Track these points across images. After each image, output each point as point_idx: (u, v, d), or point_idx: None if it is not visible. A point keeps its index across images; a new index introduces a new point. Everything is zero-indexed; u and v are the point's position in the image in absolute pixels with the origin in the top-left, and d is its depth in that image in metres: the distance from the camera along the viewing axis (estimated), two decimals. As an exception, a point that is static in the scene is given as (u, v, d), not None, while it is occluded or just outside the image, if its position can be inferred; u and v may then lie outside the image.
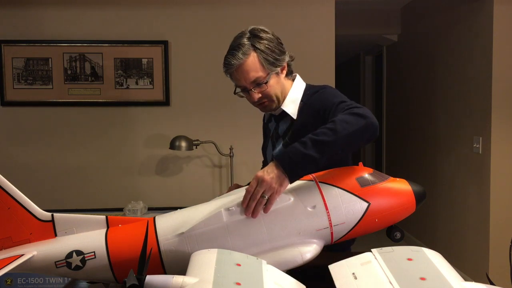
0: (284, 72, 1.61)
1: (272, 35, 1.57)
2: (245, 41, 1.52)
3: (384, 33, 5.15)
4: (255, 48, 1.52)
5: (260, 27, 1.57)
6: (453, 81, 3.93)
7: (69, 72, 3.49)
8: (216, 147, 3.39)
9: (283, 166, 1.20)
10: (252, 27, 1.57)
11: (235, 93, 1.63)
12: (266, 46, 1.53)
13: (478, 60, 3.50)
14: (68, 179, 3.53)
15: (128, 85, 3.50)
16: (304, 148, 1.21)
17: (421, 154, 4.65)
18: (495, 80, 3.30)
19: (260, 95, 1.57)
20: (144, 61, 3.49)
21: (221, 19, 3.51)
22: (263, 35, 1.54)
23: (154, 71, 3.49)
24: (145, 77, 3.49)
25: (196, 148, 3.36)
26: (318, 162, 1.22)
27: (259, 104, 1.61)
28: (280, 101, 1.61)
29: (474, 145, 3.55)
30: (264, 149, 1.83)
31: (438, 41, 4.20)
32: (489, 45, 3.32)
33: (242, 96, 1.63)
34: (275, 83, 1.57)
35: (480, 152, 3.47)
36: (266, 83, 1.54)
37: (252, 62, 1.52)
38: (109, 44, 3.48)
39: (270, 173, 1.19)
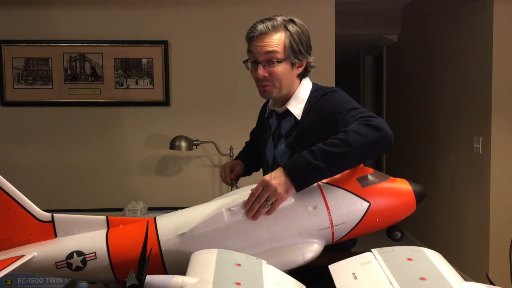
0: (300, 70, 1.58)
1: (308, 33, 1.56)
2: (279, 19, 1.51)
3: (384, 33, 5.16)
4: (286, 30, 1.50)
5: (302, 22, 1.56)
6: (453, 81, 3.93)
7: (69, 72, 3.49)
8: (216, 147, 3.39)
9: (290, 174, 1.18)
10: (293, 16, 1.56)
11: (244, 61, 1.58)
12: (298, 34, 1.51)
13: (478, 60, 3.50)
14: (68, 179, 3.53)
15: (128, 85, 3.50)
16: (312, 158, 1.18)
17: (421, 154, 4.66)
18: (495, 80, 3.30)
19: (266, 74, 1.52)
20: (144, 61, 3.49)
21: (221, 19, 3.51)
22: (300, 25, 1.54)
23: (154, 71, 3.49)
24: (145, 77, 3.49)
25: (196, 148, 3.36)
26: (326, 173, 1.20)
27: (261, 85, 1.56)
28: (281, 91, 1.56)
29: (474, 145, 3.55)
30: (261, 142, 1.78)
31: (438, 41, 4.20)
32: (489, 45, 3.32)
33: (248, 68, 1.58)
34: (285, 71, 1.53)
35: (480, 152, 3.48)
36: (279, 62, 1.50)
37: (277, 38, 1.49)
38: (109, 44, 3.48)
39: (276, 178, 1.18)
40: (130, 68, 3.49)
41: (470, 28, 3.61)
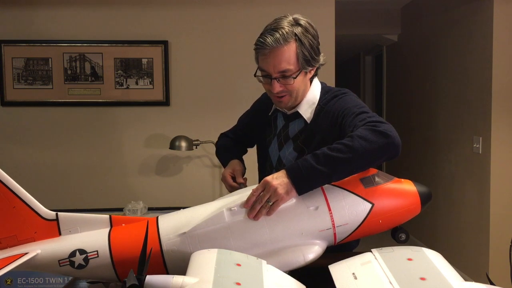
0: (312, 73, 1.52)
1: (315, 32, 1.47)
2: (287, 26, 1.41)
3: (384, 33, 5.16)
4: (297, 39, 1.41)
5: (307, 19, 1.47)
6: (453, 81, 3.93)
7: (69, 72, 3.49)
8: (216, 147, 3.39)
9: (291, 176, 1.18)
10: (296, 15, 1.46)
11: (255, 75, 1.50)
12: (308, 40, 1.43)
13: (478, 60, 3.50)
14: (68, 179, 3.53)
15: (128, 85, 3.50)
16: (315, 162, 1.17)
17: (421, 154, 4.66)
18: (495, 80, 3.30)
19: (282, 88, 1.46)
20: (144, 61, 3.49)
21: (221, 19, 3.50)
22: (309, 28, 1.45)
23: (154, 71, 3.49)
24: (145, 77, 3.50)
25: (196, 148, 3.36)
26: (329, 178, 1.19)
27: (277, 97, 1.49)
28: (297, 100, 1.52)
29: (474, 145, 3.55)
30: (262, 139, 1.73)
31: (438, 41, 4.20)
32: (489, 45, 3.32)
33: (260, 81, 1.50)
34: (300, 81, 1.47)
35: (480, 152, 3.48)
36: (294, 78, 1.43)
37: (289, 51, 1.40)
38: (109, 44, 3.48)
39: (278, 179, 1.18)
40: (130, 68, 3.49)
41: (470, 28, 3.61)
